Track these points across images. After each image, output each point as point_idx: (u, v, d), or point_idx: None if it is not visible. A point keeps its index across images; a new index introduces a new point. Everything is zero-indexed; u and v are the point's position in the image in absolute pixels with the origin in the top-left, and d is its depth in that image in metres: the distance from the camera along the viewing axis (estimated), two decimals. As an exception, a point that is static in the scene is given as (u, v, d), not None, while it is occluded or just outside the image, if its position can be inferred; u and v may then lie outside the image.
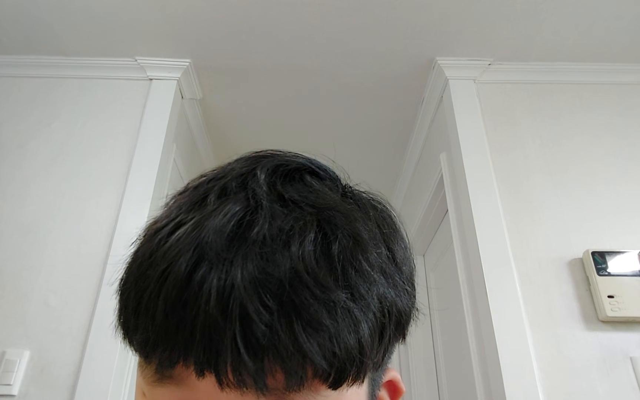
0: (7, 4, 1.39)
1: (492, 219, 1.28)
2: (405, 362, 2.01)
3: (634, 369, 1.09)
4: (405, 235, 0.31)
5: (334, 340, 0.23)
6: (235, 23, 1.44)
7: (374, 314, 0.25)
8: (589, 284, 1.19)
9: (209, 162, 2.03)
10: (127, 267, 0.27)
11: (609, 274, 1.16)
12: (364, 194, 0.31)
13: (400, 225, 0.31)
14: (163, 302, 0.23)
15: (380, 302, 0.25)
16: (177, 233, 0.25)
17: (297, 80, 1.66)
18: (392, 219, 0.31)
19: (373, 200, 0.31)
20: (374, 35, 1.47)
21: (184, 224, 0.25)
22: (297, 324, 0.22)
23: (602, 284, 1.15)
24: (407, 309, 0.28)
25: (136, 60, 1.57)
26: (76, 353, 1.14)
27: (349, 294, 0.24)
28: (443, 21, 1.43)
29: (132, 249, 0.28)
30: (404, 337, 0.29)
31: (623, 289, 1.14)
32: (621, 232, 1.27)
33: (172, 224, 0.26)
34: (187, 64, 1.58)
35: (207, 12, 1.40)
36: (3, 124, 1.48)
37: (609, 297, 1.13)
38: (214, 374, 0.22)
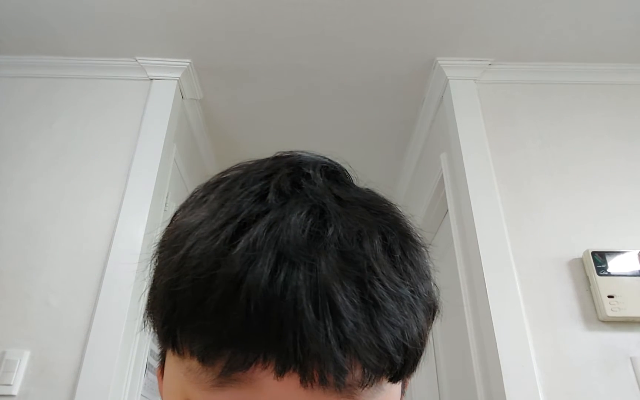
0: (8, 4, 1.39)
1: (492, 219, 1.28)
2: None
3: (634, 368, 1.09)
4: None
5: (405, 334, 0.24)
6: (235, 23, 1.44)
7: (426, 308, 0.27)
8: (589, 284, 1.19)
9: (210, 162, 2.03)
10: (174, 267, 0.25)
11: (609, 274, 1.16)
12: (383, 194, 0.33)
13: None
14: (244, 301, 0.22)
15: (429, 297, 0.27)
16: (248, 233, 0.24)
17: (297, 80, 1.66)
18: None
19: (390, 200, 0.33)
20: (374, 36, 1.47)
21: (251, 223, 0.25)
22: (378, 319, 0.23)
23: (602, 284, 1.15)
24: (438, 302, 0.30)
25: (136, 60, 1.57)
26: (76, 353, 1.14)
27: (411, 290, 0.25)
28: (443, 21, 1.43)
29: (169, 248, 0.26)
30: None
31: (623, 289, 1.14)
32: (621, 232, 1.27)
33: (235, 223, 0.25)
34: (188, 64, 1.58)
35: (207, 12, 1.40)
36: (4, 124, 1.48)
37: (609, 297, 1.13)
38: (298, 372, 0.22)
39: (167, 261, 0.26)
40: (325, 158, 0.32)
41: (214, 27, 1.46)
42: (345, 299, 0.22)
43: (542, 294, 1.19)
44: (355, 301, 0.23)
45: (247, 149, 1.99)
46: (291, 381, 0.22)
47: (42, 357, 1.13)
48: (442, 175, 1.59)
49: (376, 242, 0.25)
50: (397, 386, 0.27)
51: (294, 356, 0.22)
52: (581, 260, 1.22)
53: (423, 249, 0.29)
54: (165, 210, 1.47)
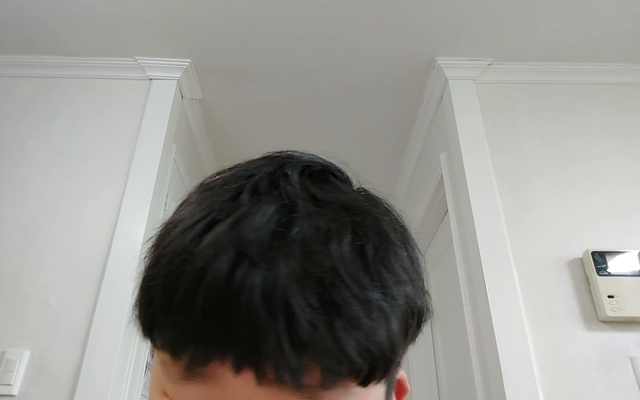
0: (7, 3, 1.39)
1: (492, 219, 1.28)
2: (405, 362, 2.00)
3: (633, 368, 1.09)
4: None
5: (370, 338, 0.23)
6: (235, 23, 1.44)
7: (402, 313, 0.26)
8: (589, 284, 1.19)
9: (209, 162, 2.03)
10: (153, 263, 0.26)
11: (609, 274, 1.16)
12: (378, 197, 0.32)
13: (409, 227, 0.32)
14: (202, 299, 0.23)
15: (407, 302, 0.26)
16: (213, 231, 0.25)
17: (297, 80, 1.66)
18: (403, 222, 0.32)
19: (386, 202, 0.32)
20: (374, 35, 1.47)
21: (219, 221, 0.25)
22: (337, 322, 0.22)
23: (602, 284, 1.15)
24: (424, 308, 0.29)
25: (136, 60, 1.57)
26: (76, 353, 1.14)
27: (382, 293, 0.25)
28: (443, 21, 1.43)
29: (154, 246, 0.28)
30: (415, 338, 0.30)
31: (623, 289, 1.14)
32: (621, 232, 1.27)
33: (206, 221, 0.26)
34: (187, 64, 1.58)
35: (207, 12, 1.40)
36: (2, 124, 1.48)
37: (609, 297, 1.13)
38: (253, 370, 0.22)
39: (150, 258, 0.27)
40: (316, 157, 0.31)
41: (214, 27, 1.45)
42: (301, 299, 0.22)
43: (542, 294, 1.19)
44: (313, 302, 0.22)
45: (246, 148, 1.98)
46: (249, 378, 0.23)
47: (41, 357, 1.13)
48: (442, 175, 1.59)
49: (345, 242, 0.25)
50: (374, 391, 0.26)
51: (248, 354, 0.22)
52: (581, 260, 1.22)
53: (404, 251, 0.28)
54: (165, 210, 1.47)
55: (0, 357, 1.13)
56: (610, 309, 1.12)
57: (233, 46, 1.52)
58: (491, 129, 1.46)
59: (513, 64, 1.57)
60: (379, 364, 0.24)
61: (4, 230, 1.29)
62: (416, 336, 0.29)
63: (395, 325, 0.25)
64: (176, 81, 1.57)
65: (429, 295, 0.30)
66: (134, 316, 0.27)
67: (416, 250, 0.31)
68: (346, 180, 0.32)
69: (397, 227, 0.30)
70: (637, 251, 1.20)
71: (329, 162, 0.31)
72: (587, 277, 1.19)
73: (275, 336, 0.22)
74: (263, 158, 0.31)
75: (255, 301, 0.22)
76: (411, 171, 2.05)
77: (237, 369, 0.23)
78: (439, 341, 1.90)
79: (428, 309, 0.30)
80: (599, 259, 1.18)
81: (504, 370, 1.07)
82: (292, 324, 0.22)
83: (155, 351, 0.27)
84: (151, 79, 1.57)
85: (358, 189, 0.32)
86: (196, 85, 1.67)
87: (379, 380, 0.25)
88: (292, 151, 0.31)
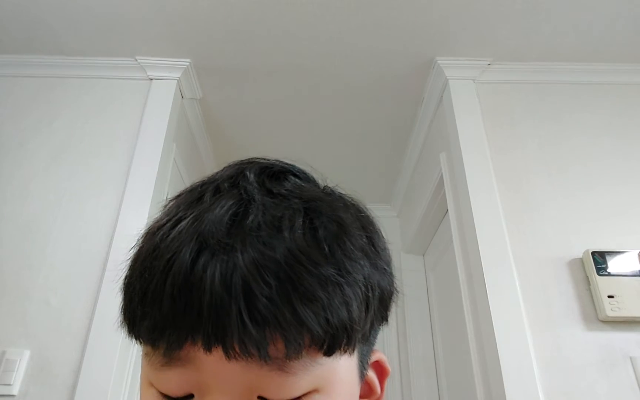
0: (8, 3, 1.39)
1: (491, 218, 1.28)
2: (405, 362, 2.01)
3: (633, 368, 1.09)
4: (379, 227, 0.35)
5: (327, 310, 0.26)
6: (235, 23, 1.44)
7: (360, 288, 0.28)
8: (588, 284, 1.19)
9: (209, 161, 2.03)
10: (130, 265, 0.29)
11: (609, 274, 1.16)
12: (342, 192, 0.35)
13: (375, 219, 0.35)
14: (170, 288, 0.25)
15: (365, 279, 0.29)
16: (178, 227, 0.27)
17: (297, 80, 1.66)
18: (367, 212, 0.35)
19: (350, 196, 0.35)
20: (374, 35, 1.47)
21: (184, 219, 0.28)
22: (294, 296, 0.25)
23: (602, 284, 1.15)
24: (388, 287, 0.32)
25: (136, 60, 1.57)
26: (76, 352, 1.14)
27: (337, 269, 0.27)
28: (443, 21, 1.43)
29: (134, 250, 0.30)
30: (386, 317, 0.33)
31: (623, 289, 1.14)
32: (621, 232, 1.27)
33: (172, 220, 0.28)
34: (187, 63, 1.58)
35: (207, 12, 1.40)
36: (4, 123, 1.48)
37: (609, 297, 1.13)
38: (221, 347, 0.25)
39: (129, 262, 0.30)
40: (278, 161, 0.34)
41: (214, 27, 1.46)
42: (259, 279, 0.25)
43: (542, 293, 1.19)
44: (270, 281, 0.25)
45: (246, 148, 1.99)
46: (219, 355, 0.25)
47: (42, 357, 1.13)
48: (442, 175, 1.59)
49: (297, 225, 0.27)
50: (343, 363, 0.29)
51: (215, 333, 0.24)
52: (581, 260, 1.23)
53: (363, 234, 0.31)
54: (165, 209, 1.47)
55: (1, 356, 1.13)
56: (610, 309, 1.12)
57: (233, 46, 1.52)
58: (491, 129, 1.46)
59: (513, 64, 1.57)
60: (340, 334, 0.26)
61: (5, 229, 1.29)
62: (384, 314, 0.32)
63: (352, 298, 0.27)
64: (176, 81, 1.57)
65: (393, 276, 0.33)
66: (120, 321, 0.30)
67: (378, 235, 0.33)
68: (309, 180, 0.34)
69: (354, 213, 0.32)
70: (637, 251, 1.20)
71: (291, 165, 0.34)
72: (587, 277, 1.19)
73: (237, 314, 0.24)
74: (227, 167, 0.34)
75: (217, 285, 0.24)
76: (411, 171, 2.05)
77: (208, 347, 0.25)
78: (439, 341, 1.90)
79: (392, 288, 0.33)
80: (599, 259, 1.18)
81: (504, 370, 1.07)
82: (251, 301, 0.24)
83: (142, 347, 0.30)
84: (151, 79, 1.57)
85: (323, 187, 0.34)
86: (196, 85, 1.68)
87: (344, 351, 0.28)
88: (255, 158, 0.34)
